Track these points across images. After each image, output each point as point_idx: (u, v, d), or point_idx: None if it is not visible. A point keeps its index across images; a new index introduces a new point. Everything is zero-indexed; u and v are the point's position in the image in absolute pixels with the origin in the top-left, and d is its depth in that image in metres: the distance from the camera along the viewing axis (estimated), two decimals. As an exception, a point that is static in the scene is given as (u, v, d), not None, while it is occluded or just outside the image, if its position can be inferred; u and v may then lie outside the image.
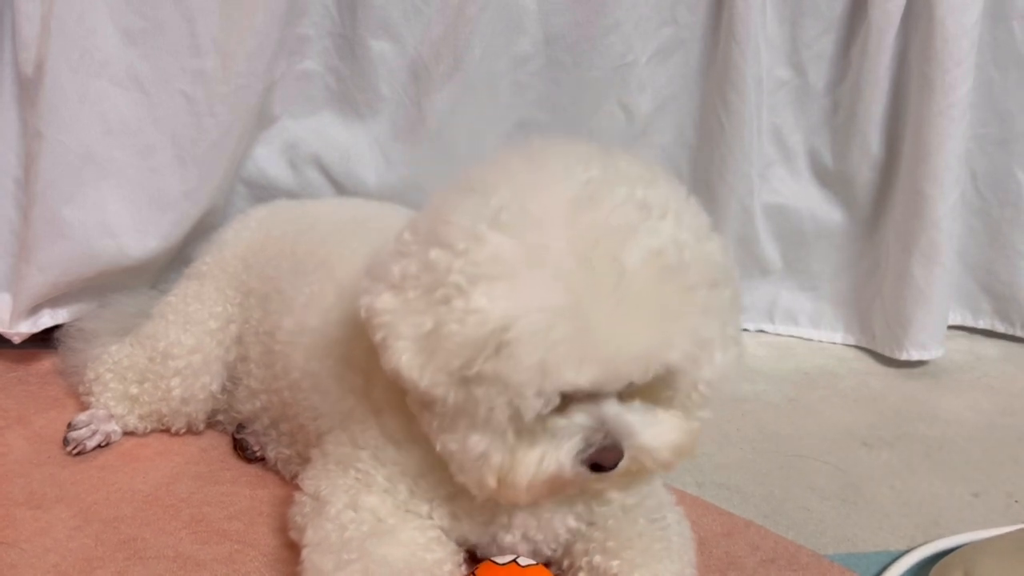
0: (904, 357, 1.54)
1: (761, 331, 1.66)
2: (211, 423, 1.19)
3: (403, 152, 1.47)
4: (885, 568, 1.01)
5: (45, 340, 1.33)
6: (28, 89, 1.24)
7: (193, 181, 1.33)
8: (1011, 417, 1.40)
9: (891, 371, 1.55)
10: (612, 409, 0.77)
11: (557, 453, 0.77)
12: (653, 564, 0.85)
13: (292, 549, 0.91)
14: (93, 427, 1.14)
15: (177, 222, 1.34)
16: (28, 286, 1.27)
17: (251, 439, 1.13)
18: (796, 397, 1.43)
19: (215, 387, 1.15)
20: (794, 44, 1.53)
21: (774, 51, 1.53)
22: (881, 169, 1.56)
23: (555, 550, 0.90)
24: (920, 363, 1.55)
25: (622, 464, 0.78)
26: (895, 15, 1.45)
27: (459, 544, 0.88)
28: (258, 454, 1.13)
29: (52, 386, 1.28)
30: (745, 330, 1.61)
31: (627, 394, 0.78)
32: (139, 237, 1.32)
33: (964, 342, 1.66)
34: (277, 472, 1.10)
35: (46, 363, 1.34)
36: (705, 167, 1.56)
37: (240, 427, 1.15)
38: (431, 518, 0.87)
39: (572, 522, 0.89)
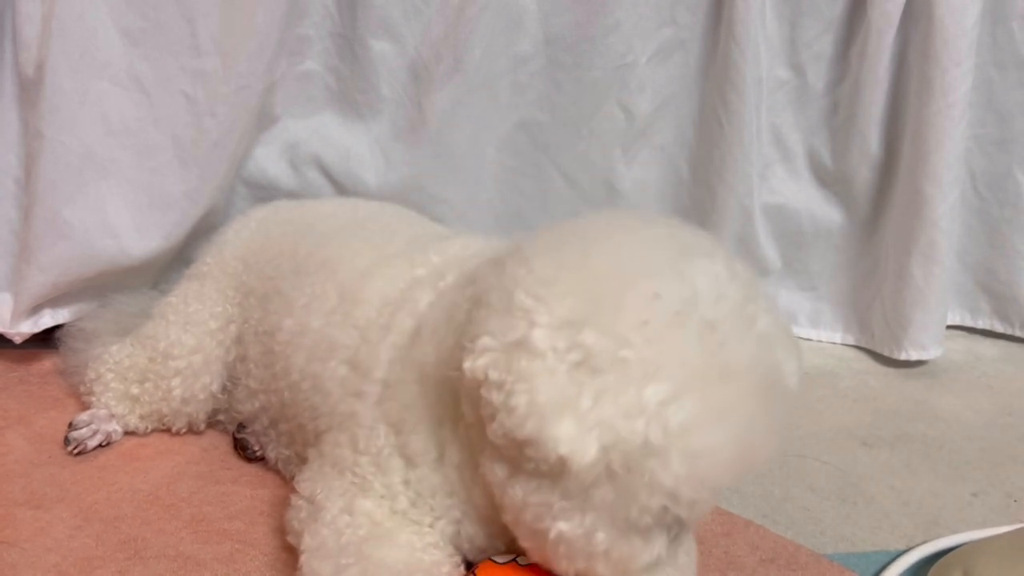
0: (903, 357, 1.54)
1: (761, 331, 1.66)
2: (212, 423, 1.19)
3: (403, 152, 1.47)
4: (884, 567, 1.01)
5: (46, 340, 1.33)
6: (29, 89, 1.24)
7: (194, 181, 1.33)
8: (1010, 417, 1.40)
9: (890, 371, 1.55)
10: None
11: (662, 541, 0.75)
12: None
13: (292, 549, 0.91)
14: (94, 427, 1.14)
15: (178, 222, 1.34)
16: (29, 286, 1.27)
17: (252, 439, 1.13)
18: (795, 397, 1.43)
19: (215, 387, 1.15)
20: (793, 44, 1.54)
21: (774, 51, 1.53)
22: (880, 169, 1.56)
23: None
24: (919, 363, 1.56)
25: None
26: (894, 15, 1.45)
27: (456, 549, 0.88)
28: (259, 454, 1.13)
29: (53, 386, 1.29)
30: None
31: None
32: (140, 237, 1.32)
33: (963, 342, 1.66)
34: (278, 472, 1.10)
35: (47, 363, 1.34)
36: (705, 167, 1.56)
37: (241, 427, 1.15)
38: (431, 528, 0.87)
39: None
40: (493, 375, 0.72)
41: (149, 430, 1.17)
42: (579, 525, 0.73)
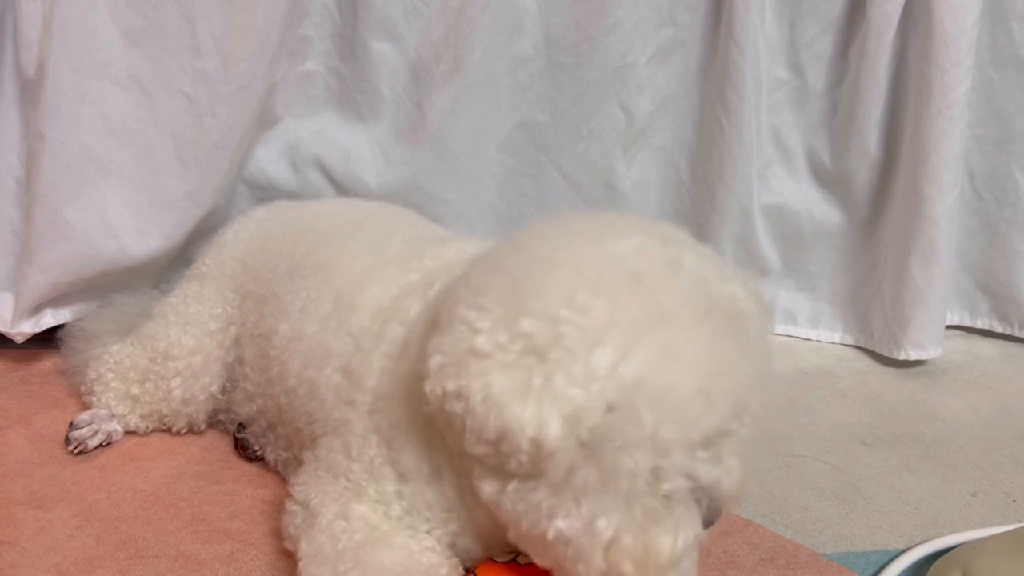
0: (903, 357, 1.54)
1: (760, 331, 1.67)
2: (212, 422, 1.19)
3: (404, 153, 1.47)
4: (883, 567, 1.01)
5: (47, 340, 1.34)
6: (29, 90, 1.24)
7: (194, 181, 1.34)
8: (1009, 416, 1.40)
9: (889, 371, 1.55)
10: (702, 466, 0.74)
11: (692, 522, 0.73)
12: None
13: (293, 548, 0.92)
14: (95, 426, 1.15)
15: (178, 223, 1.35)
16: (30, 286, 1.27)
17: (252, 439, 1.13)
18: (795, 397, 1.43)
19: (215, 388, 1.15)
20: (793, 45, 1.54)
21: (773, 52, 1.53)
22: (880, 169, 1.56)
23: None
24: (918, 363, 1.56)
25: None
26: (894, 16, 1.45)
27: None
28: (259, 453, 1.13)
29: (53, 386, 1.29)
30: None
31: None
32: (140, 238, 1.32)
33: (962, 342, 1.66)
34: (278, 472, 1.10)
35: (47, 363, 1.35)
36: (704, 167, 1.56)
37: (241, 427, 1.15)
38: (428, 534, 0.86)
39: None
40: (450, 386, 0.73)
41: (150, 430, 1.18)
42: (576, 517, 0.72)
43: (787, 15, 1.52)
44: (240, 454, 1.14)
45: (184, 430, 1.18)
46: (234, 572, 0.94)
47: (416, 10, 1.41)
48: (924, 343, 1.53)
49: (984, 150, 1.59)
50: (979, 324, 1.69)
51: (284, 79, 1.43)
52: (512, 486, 0.74)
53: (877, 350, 1.60)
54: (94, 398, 1.18)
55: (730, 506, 0.78)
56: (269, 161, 1.47)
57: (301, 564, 0.86)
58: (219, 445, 1.17)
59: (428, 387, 0.75)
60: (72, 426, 1.14)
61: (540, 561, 0.77)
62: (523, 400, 0.70)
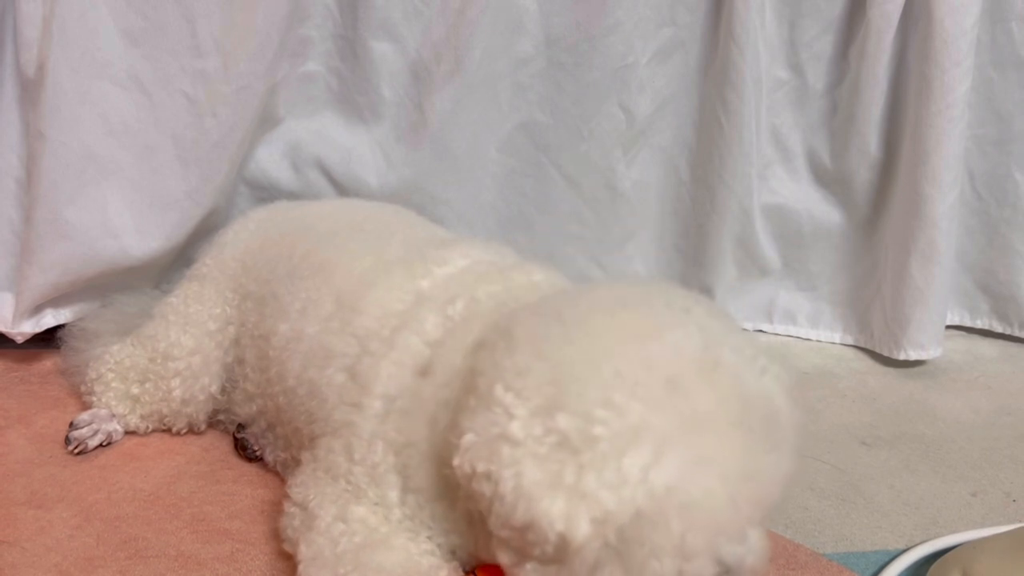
0: (902, 357, 1.54)
1: (759, 331, 1.67)
2: (212, 422, 1.19)
3: (404, 153, 1.47)
4: (883, 567, 1.01)
5: (47, 340, 1.34)
6: (30, 90, 1.24)
7: (195, 182, 1.34)
8: (1009, 416, 1.40)
9: (889, 371, 1.55)
10: (726, 547, 0.73)
11: None
12: None
13: (293, 548, 0.92)
14: (95, 426, 1.15)
15: (179, 223, 1.35)
16: (30, 286, 1.27)
17: (252, 439, 1.13)
18: (794, 397, 1.43)
19: (214, 388, 1.15)
20: (793, 45, 1.54)
21: (773, 52, 1.53)
22: (880, 169, 1.56)
23: None
24: (918, 363, 1.56)
25: None
26: (894, 16, 1.45)
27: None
28: (259, 453, 1.13)
29: (53, 386, 1.29)
30: (743, 330, 1.62)
31: None
32: (141, 238, 1.32)
33: (962, 342, 1.66)
34: (277, 473, 1.10)
35: (47, 363, 1.35)
36: (704, 167, 1.56)
37: (241, 427, 1.15)
38: (428, 540, 0.86)
39: None
40: (480, 467, 0.74)
41: (150, 430, 1.18)
42: None
43: (787, 15, 1.52)
44: (240, 454, 1.14)
45: (184, 430, 1.18)
46: (234, 572, 0.94)
47: (416, 11, 1.41)
48: (924, 343, 1.53)
49: (984, 150, 1.59)
50: (979, 324, 1.69)
51: (285, 80, 1.43)
52: (532, 565, 0.74)
53: (877, 350, 1.60)
54: (94, 398, 1.18)
55: None
56: (270, 161, 1.47)
57: (301, 567, 0.86)
58: (219, 445, 1.17)
59: (456, 462, 0.75)
60: (72, 426, 1.14)
61: None
62: (553, 495, 0.70)
